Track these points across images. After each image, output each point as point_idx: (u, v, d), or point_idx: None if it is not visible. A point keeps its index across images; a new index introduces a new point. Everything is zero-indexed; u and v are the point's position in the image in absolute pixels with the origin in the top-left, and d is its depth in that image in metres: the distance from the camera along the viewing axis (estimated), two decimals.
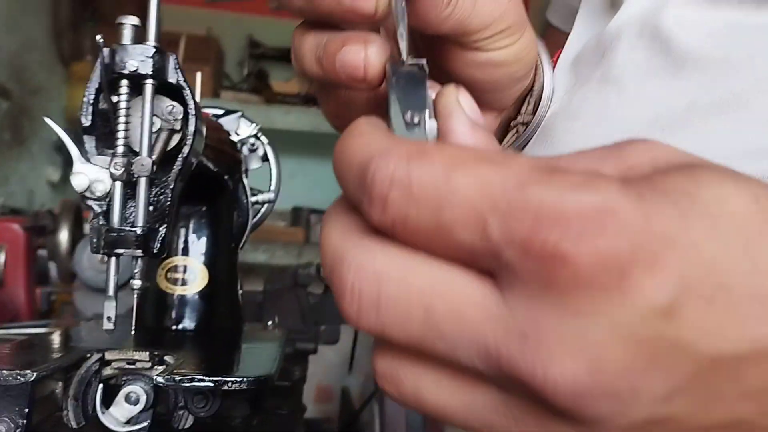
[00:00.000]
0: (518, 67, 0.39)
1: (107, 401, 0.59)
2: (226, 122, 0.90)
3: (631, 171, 0.24)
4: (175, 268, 0.79)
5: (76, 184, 0.60)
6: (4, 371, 0.51)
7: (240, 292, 0.84)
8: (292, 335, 1.04)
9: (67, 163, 2.22)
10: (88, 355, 0.59)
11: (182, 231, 0.80)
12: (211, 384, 0.52)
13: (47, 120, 0.65)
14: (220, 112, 0.91)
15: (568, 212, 0.21)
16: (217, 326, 0.79)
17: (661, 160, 0.24)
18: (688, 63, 0.38)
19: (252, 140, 0.90)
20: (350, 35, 0.33)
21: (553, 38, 0.67)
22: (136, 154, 0.61)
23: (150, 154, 0.60)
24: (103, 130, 0.62)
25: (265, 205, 0.89)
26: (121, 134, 0.60)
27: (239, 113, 0.91)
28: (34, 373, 0.52)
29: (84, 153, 0.61)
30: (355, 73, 0.32)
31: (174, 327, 0.77)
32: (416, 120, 0.27)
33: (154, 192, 0.62)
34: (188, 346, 0.72)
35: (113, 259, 0.59)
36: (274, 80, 2.40)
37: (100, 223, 0.60)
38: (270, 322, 0.90)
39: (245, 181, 0.86)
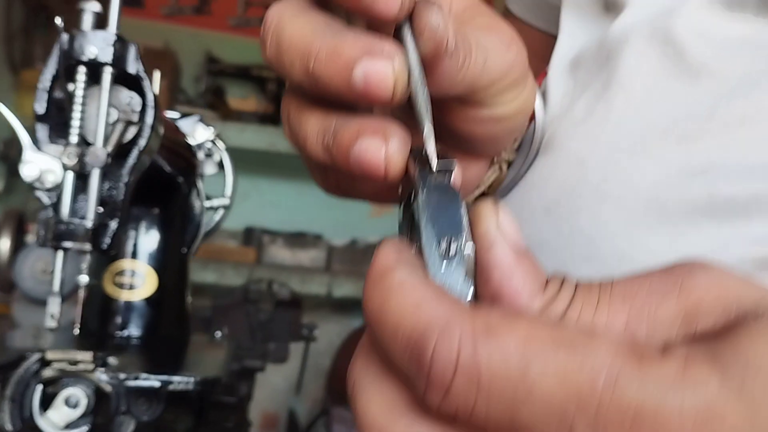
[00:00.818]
0: (519, 119, 0.37)
1: (46, 404, 0.56)
2: (183, 125, 0.87)
3: (699, 313, 0.22)
4: (122, 272, 0.76)
5: (25, 173, 0.57)
6: None
7: (189, 300, 0.81)
8: (241, 352, 1.01)
9: (12, 172, 2.16)
10: (28, 355, 0.56)
11: (132, 233, 0.77)
12: (157, 383, 0.49)
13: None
14: (177, 115, 0.89)
15: (672, 419, 0.19)
16: (164, 334, 0.76)
17: (731, 302, 0.22)
18: (704, 73, 0.36)
19: (208, 145, 0.88)
20: (366, 125, 0.28)
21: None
22: (90, 145, 0.58)
23: (105, 145, 0.58)
24: (57, 120, 0.59)
25: (220, 211, 0.86)
26: (75, 123, 0.57)
27: (197, 117, 0.89)
28: None
29: (36, 142, 0.58)
30: (374, 172, 0.27)
31: (119, 333, 0.74)
32: (453, 250, 0.24)
33: (107, 185, 0.59)
34: (133, 350, 0.69)
35: (60, 253, 0.56)
36: (231, 97, 2.38)
37: (49, 216, 0.57)
38: (218, 333, 0.87)
39: (200, 185, 0.84)
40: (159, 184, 0.76)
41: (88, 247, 0.56)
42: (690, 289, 0.22)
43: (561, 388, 0.19)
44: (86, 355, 0.56)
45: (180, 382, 0.49)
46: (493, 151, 0.40)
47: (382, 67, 0.26)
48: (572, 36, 0.46)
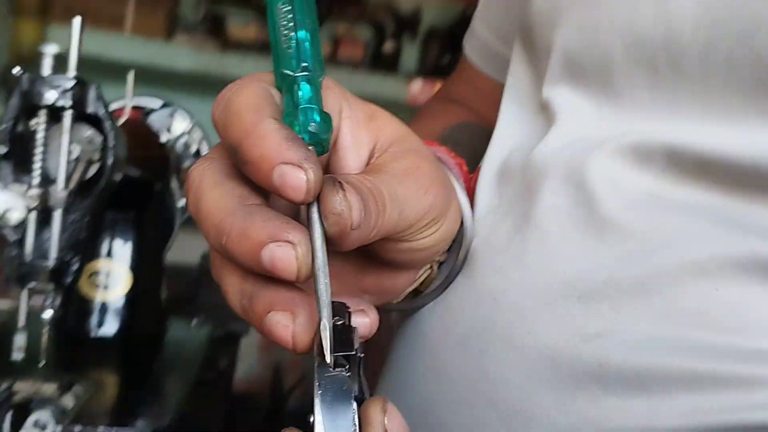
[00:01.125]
0: (441, 246, 0.38)
1: (17, 427, 0.60)
2: (159, 117, 0.88)
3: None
4: (97, 273, 0.79)
5: None
6: None
7: (164, 296, 0.85)
8: (224, 317, 1.04)
9: None
10: None
11: (107, 235, 0.80)
12: None
13: None
14: (158, 105, 0.90)
15: None
16: (138, 333, 0.80)
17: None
18: (609, 229, 0.36)
19: (185, 137, 0.89)
20: (277, 298, 0.29)
21: (464, 72, 0.62)
22: (53, 182, 0.60)
23: (66, 185, 0.60)
24: (21, 156, 0.61)
25: None
26: (37, 165, 0.59)
27: (174, 108, 0.90)
28: None
29: (0, 179, 0.60)
30: (282, 343, 0.29)
31: (94, 334, 0.78)
32: None
33: (70, 219, 0.61)
34: (104, 361, 0.73)
35: (25, 291, 0.59)
36: (231, 24, 2.35)
37: (13, 253, 0.60)
38: (194, 321, 0.91)
39: (175, 183, 0.85)
40: (132, 191, 0.78)
41: (50, 286, 0.59)
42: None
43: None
44: (51, 387, 0.60)
45: None
46: (419, 267, 0.41)
47: (285, 254, 0.28)
48: (507, 132, 0.45)
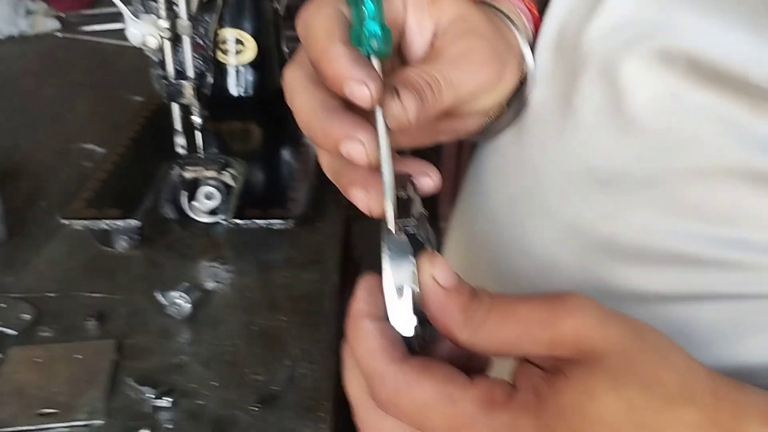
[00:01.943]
0: (500, 102, 0.46)
1: (191, 199, 0.78)
2: None
3: (560, 344, 0.31)
4: (225, 41, 0.90)
5: (131, 38, 0.70)
6: None
7: (287, 52, 0.95)
8: None
9: None
10: (171, 169, 0.77)
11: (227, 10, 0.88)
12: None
13: None
14: None
15: None
16: (271, 90, 0.93)
17: (585, 345, 0.30)
18: (632, 126, 0.41)
19: None
20: (356, 178, 0.38)
21: None
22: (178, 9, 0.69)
23: (189, 13, 0.69)
24: None
25: None
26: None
27: None
28: None
29: (132, 12, 0.69)
30: (362, 209, 0.38)
31: (235, 94, 0.91)
32: (403, 292, 0.34)
33: (197, 37, 0.71)
34: (248, 116, 0.88)
35: (175, 106, 0.72)
36: None
37: (159, 72, 0.71)
38: None
39: None
40: None
41: (194, 101, 0.71)
42: (559, 321, 0.31)
43: (444, 425, 0.32)
44: (211, 173, 0.75)
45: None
46: (486, 114, 0.49)
47: (357, 149, 0.36)
48: (559, 4, 0.48)
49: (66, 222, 0.73)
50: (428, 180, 0.40)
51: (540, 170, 0.48)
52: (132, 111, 0.95)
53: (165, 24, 0.68)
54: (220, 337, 0.65)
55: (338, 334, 0.64)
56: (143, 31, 0.70)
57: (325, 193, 0.81)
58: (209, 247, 0.76)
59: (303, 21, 0.38)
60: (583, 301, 0.31)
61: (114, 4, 0.67)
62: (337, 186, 0.40)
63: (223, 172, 0.78)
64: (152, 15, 0.69)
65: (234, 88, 0.92)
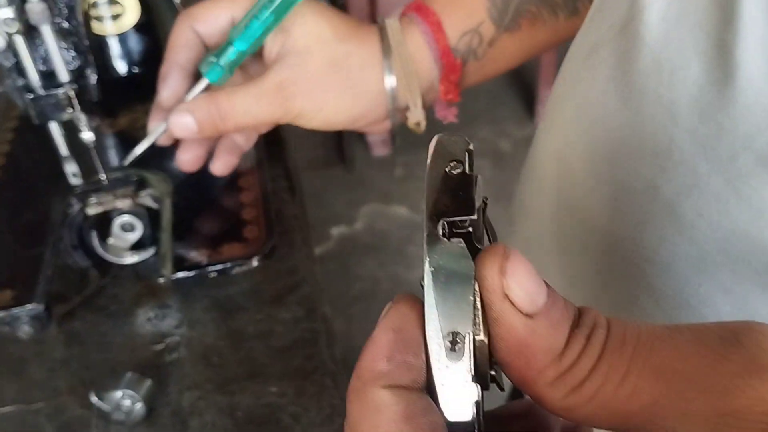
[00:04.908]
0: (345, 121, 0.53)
1: (105, 235, 0.58)
2: None
3: (734, 425, 0.19)
4: (95, 4, 0.66)
5: None
6: None
7: (178, 2, 0.72)
8: None
9: None
10: (69, 208, 0.56)
11: None
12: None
13: None
14: None
15: None
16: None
17: None
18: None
19: None
20: None
21: None
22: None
23: None
24: None
25: None
26: None
27: None
28: None
29: None
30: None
31: (124, 72, 0.69)
32: (459, 346, 0.21)
33: (60, 20, 0.49)
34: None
35: (54, 125, 0.51)
36: None
37: (19, 83, 0.49)
38: None
39: None
40: None
41: (80, 113, 0.50)
42: (736, 389, 0.19)
43: None
44: (124, 202, 0.55)
45: None
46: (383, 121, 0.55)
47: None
48: None
49: None
50: None
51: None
52: None
53: (8, 13, 0.46)
54: None
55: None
56: None
57: (283, 193, 0.62)
58: (145, 295, 0.56)
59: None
60: None
61: None
62: None
63: (140, 192, 0.57)
64: None
65: (121, 63, 0.69)
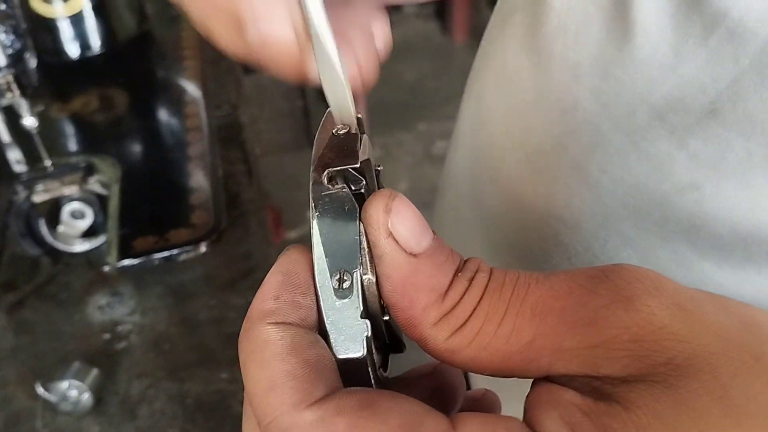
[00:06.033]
0: None
1: (54, 223, 0.57)
2: None
3: (606, 356, 0.19)
4: None
5: None
6: None
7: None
8: None
9: None
10: (14, 195, 0.55)
11: None
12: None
13: None
14: None
15: None
16: (123, 39, 0.69)
17: (656, 348, 0.18)
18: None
19: None
20: None
21: None
22: None
23: None
24: None
25: None
26: None
27: None
28: None
29: None
30: None
31: (75, 56, 0.68)
32: (346, 284, 0.21)
33: None
34: (101, 82, 0.64)
35: None
36: None
37: None
38: None
39: None
40: None
41: (20, 98, 0.49)
42: (607, 320, 0.19)
43: None
44: (72, 188, 0.54)
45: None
46: None
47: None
48: None
49: None
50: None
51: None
52: None
53: None
54: (144, 429, 0.46)
55: None
56: None
57: (240, 177, 0.61)
58: (97, 282, 0.56)
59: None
60: (648, 278, 0.19)
61: None
62: None
63: (88, 179, 0.56)
64: None
65: (73, 46, 0.68)
